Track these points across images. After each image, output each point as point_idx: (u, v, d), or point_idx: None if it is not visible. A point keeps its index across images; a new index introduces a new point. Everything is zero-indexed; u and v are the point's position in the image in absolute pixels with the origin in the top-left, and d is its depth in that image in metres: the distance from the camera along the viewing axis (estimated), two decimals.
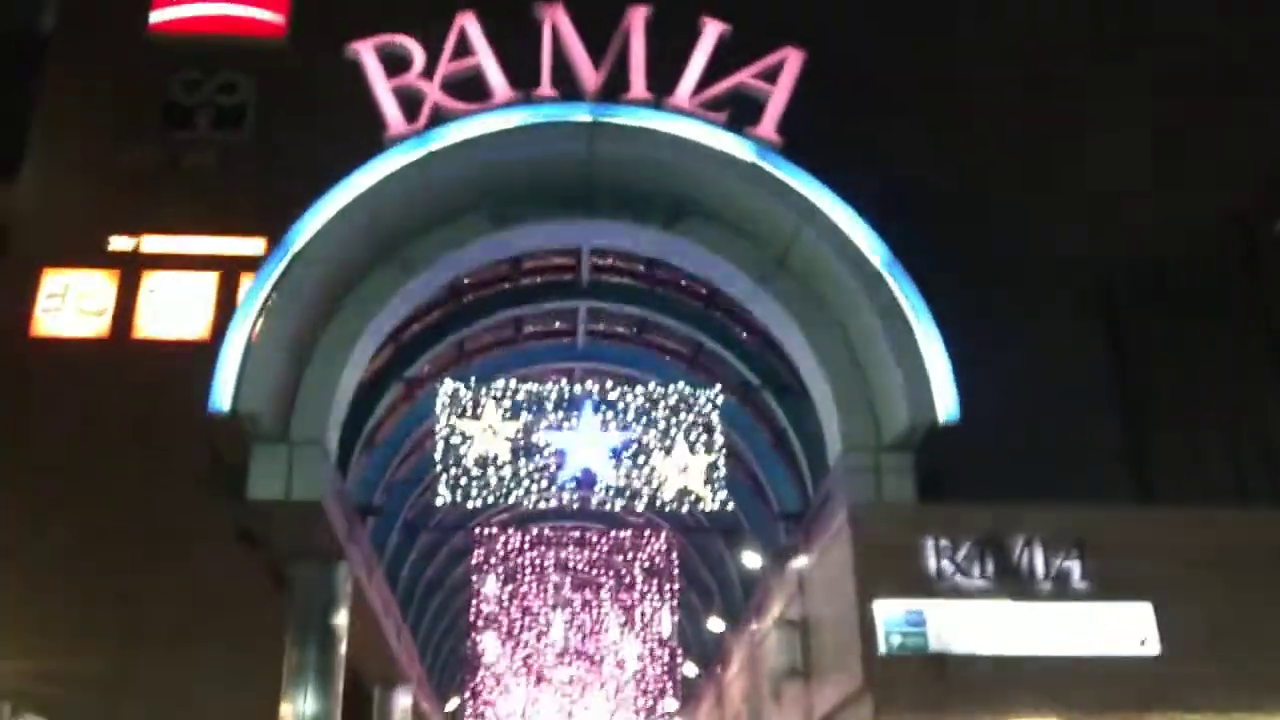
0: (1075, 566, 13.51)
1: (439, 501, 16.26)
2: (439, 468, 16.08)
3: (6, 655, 18.20)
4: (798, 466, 17.38)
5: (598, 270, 17.96)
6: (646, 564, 24.11)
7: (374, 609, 18.68)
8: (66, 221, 25.10)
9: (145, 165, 25.53)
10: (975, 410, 13.79)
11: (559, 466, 16.51)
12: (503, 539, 23.78)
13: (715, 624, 23.61)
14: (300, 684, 15.41)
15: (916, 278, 14.19)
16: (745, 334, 18.10)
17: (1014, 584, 13.39)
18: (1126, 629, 13.19)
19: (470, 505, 16.46)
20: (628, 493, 16.50)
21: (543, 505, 16.92)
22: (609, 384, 16.79)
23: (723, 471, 16.54)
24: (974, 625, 13.13)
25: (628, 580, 24.36)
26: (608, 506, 16.96)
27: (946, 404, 13.62)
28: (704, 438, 16.63)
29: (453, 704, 29.27)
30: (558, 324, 19.49)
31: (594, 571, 24.40)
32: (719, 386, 16.89)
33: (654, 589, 24.25)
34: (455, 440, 16.24)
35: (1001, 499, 13.88)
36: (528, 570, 24.08)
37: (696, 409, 16.71)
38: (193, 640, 18.16)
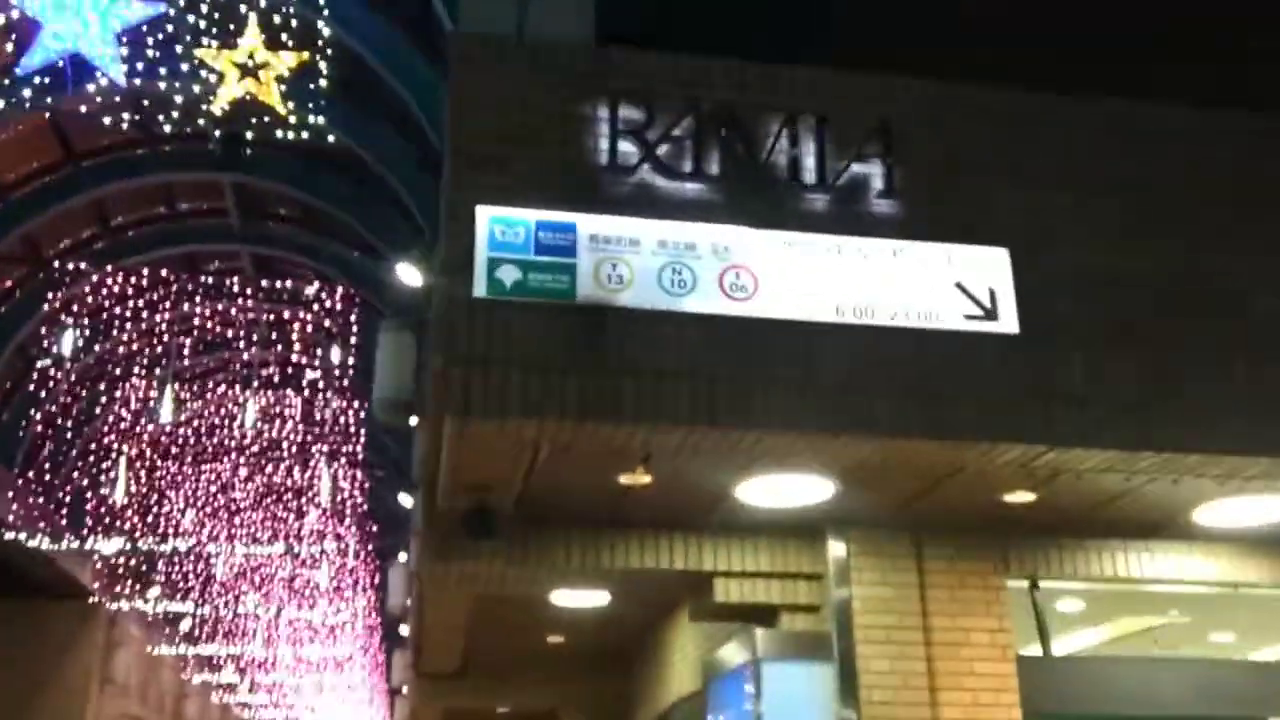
0: (875, 171, 7.16)
1: None
2: None
3: None
4: None
5: None
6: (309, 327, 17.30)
7: None
8: None
9: None
10: None
11: (23, 46, 9.50)
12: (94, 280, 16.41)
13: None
14: None
15: None
16: None
17: (758, 194, 7.00)
18: (959, 289, 6.99)
19: None
20: (147, 100, 9.66)
21: None
22: None
23: (325, 83, 9.82)
24: (671, 261, 6.73)
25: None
26: (109, 121, 10.03)
27: None
28: (295, 26, 9.83)
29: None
30: None
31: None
32: None
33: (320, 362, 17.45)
34: None
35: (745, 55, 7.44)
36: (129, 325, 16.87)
37: None
38: None
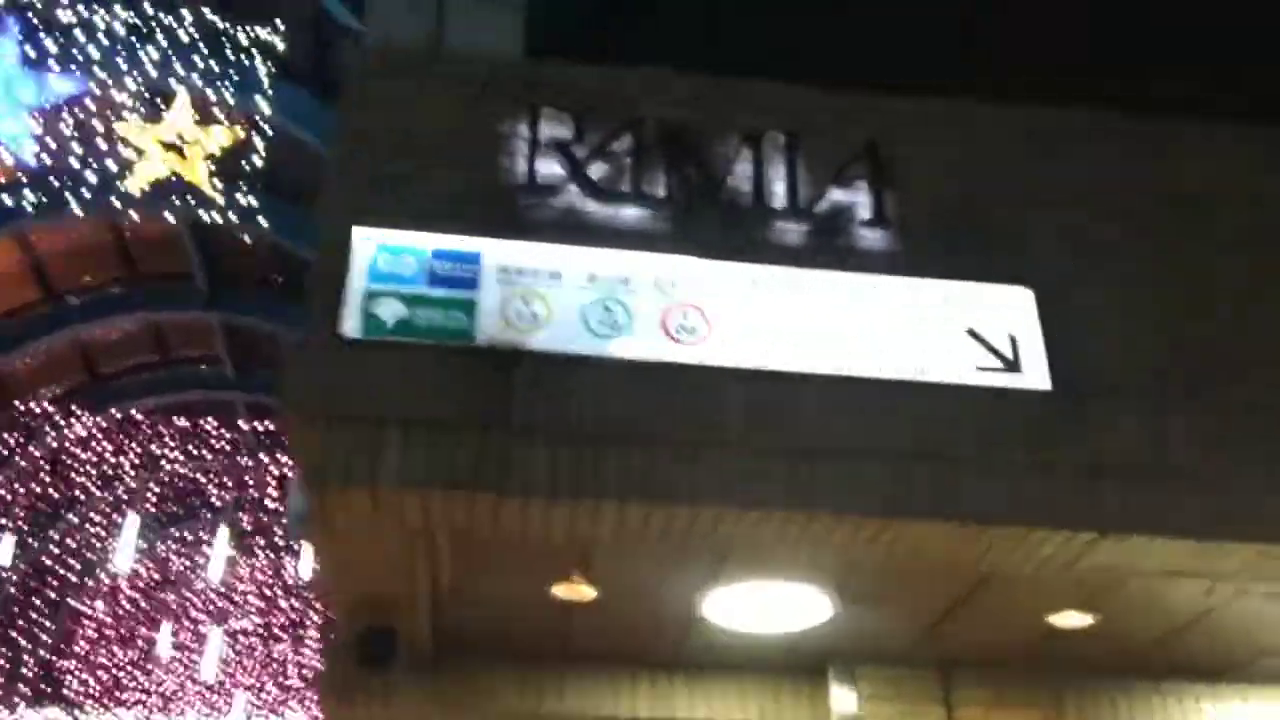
0: (860, 199, 5.79)
1: None
2: None
3: None
4: None
5: None
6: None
7: None
8: None
9: None
10: None
11: None
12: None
13: None
14: None
15: None
16: None
17: (713, 221, 5.65)
18: (971, 335, 5.50)
19: None
20: (56, 178, 8.66)
21: None
22: None
23: (261, 162, 8.81)
24: (602, 298, 5.35)
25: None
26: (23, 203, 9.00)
27: None
28: (233, 100, 8.88)
29: None
30: None
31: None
32: (278, 22, 9.20)
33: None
34: None
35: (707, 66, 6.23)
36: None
37: (228, 53, 8.93)
38: None
